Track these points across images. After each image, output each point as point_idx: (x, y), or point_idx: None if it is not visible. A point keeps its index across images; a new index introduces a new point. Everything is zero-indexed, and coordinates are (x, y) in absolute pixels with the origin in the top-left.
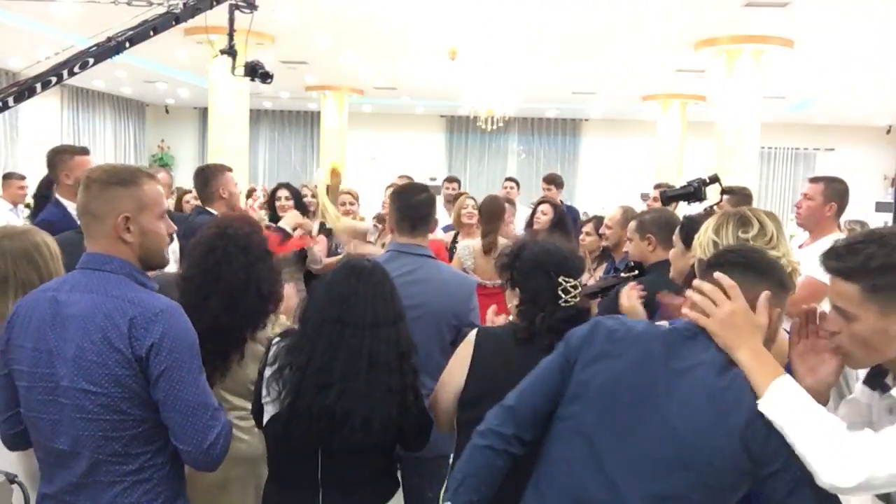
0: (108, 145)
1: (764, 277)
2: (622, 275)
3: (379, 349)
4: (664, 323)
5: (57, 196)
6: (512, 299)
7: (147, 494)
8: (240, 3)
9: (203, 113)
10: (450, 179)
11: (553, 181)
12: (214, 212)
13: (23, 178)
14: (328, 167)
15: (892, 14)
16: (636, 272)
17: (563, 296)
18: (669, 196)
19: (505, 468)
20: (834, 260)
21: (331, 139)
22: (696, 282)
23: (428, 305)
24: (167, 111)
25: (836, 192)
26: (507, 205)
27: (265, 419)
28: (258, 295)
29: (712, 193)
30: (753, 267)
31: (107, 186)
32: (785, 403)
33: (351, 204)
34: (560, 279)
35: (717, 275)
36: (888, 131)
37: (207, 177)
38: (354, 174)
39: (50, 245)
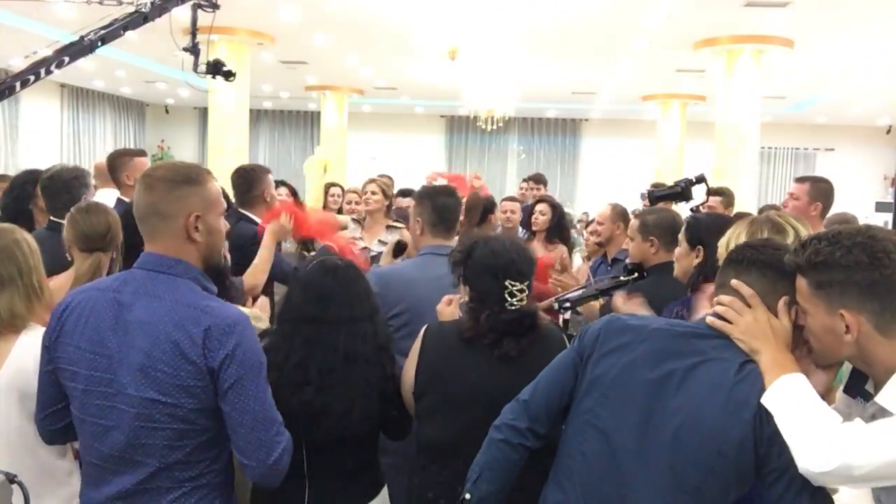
0: (108, 145)
1: (784, 275)
2: (622, 278)
3: (356, 344)
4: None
5: (120, 196)
6: (463, 296)
7: (203, 500)
8: (202, 3)
9: (203, 113)
10: (529, 179)
11: (540, 181)
12: (255, 217)
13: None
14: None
15: (892, 14)
16: (636, 275)
17: (508, 299)
18: (657, 196)
19: (521, 460)
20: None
21: (331, 139)
22: (717, 296)
23: None
24: (167, 111)
25: (821, 191)
26: (509, 203)
27: None
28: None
29: (698, 193)
30: (772, 265)
31: (175, 185)
32: (783, 395)
33: (357, 203)
34: (507, 282)
35: (735, 283)
36: (888, 131)
37: (252, 180)
38: (355, 174)
39: (28, 241)
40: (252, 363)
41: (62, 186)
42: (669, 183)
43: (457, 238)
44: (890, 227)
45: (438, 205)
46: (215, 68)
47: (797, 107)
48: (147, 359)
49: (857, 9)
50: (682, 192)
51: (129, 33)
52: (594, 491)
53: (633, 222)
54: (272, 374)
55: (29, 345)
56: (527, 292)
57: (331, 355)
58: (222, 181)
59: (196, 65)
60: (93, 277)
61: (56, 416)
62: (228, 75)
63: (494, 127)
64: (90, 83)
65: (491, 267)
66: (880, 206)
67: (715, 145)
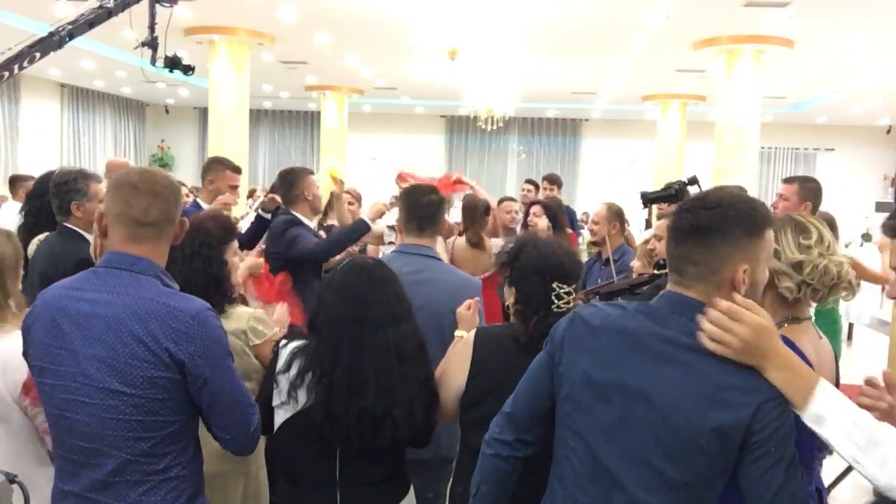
0: (108, 145)
1: (725, 236)
2: (655, 272)
3: (404, 344)
4: None
5: (198, 200)
6: (509, 296)
7: (172, 492)
8: None
9: (203, 113)
10: (547, 178)
11: (555, 181)
12: (298, 213)
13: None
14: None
15: (893, 14)
16: (666, 270)
17: (555, 301)
18: (650, 198)
19: (515, 470)
20: (893, 220)
21: (331, 139)
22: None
23: (432, 306)
24: (167, 111)
25: (810, 191)
26: (513, 203)
27: (277, 423)
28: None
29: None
30: (709, 229)
31: (178, 194)
32: (830, 407)
33: (351, 203)
34: (554, 284)
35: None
36: (888, 131)
37: (293, 180)
38: (355, 174)
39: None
40: (219, 353)
41: (54, 190)
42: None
43: (437, 238)
44: None
45: (409, 205)
46: (173, 63)
47: (797, 107)
48: (111, 352)
49: (857, 9)
50: (675, 193)
51: (128, 34)
52: (583, 493)
53: (661, 221)
54: (322, 381)
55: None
56: (573, 295)
57: (384, 357)
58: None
59: (154, 58)
60: None
61: None
62: (187, 70)
63: (494, 127)
64: (90, 83)
65: (539, 269)
66: (880, 206)
67: (715, 145)
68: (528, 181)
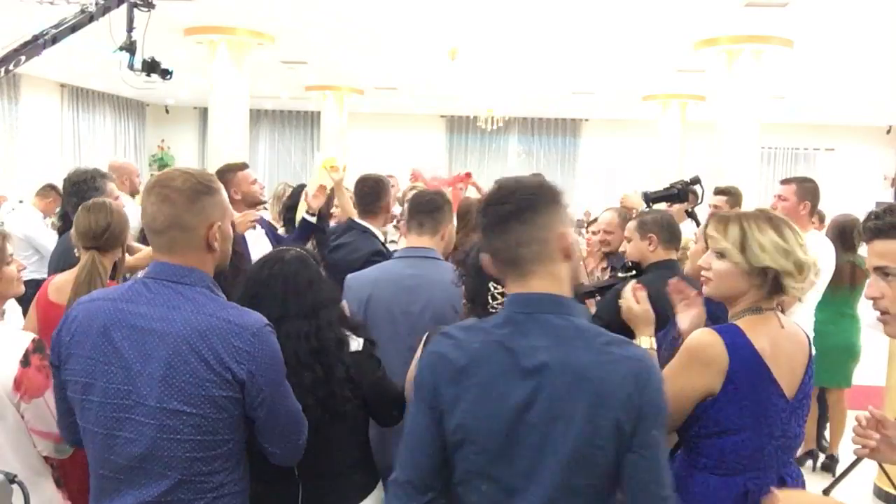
0: (108, 145)
1: (539, 208)
2: (619, 274)
3: (286, 345)
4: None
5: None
6: (464, 295)
7: None
8: (138, 3)
9: (203, 113)
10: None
11: None
12: (370, 227)
13: (59, 192)
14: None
15: (893, 14)
16: (634, 272)
17: (490, 301)
18: (653, 198)
19: None
20: (873, 220)
21: (331, 139)
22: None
23: (433, 308)
24: (167, 111)
25: (808, 191)
26: None
27: None
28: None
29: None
30: (526, 207)
31: (197, 196)
32: None
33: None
34: (490, 285)
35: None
36: (888, 131)
37: (379, 191)
38: (354, 174)
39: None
40: (277, 368)
41: (72, 189)
42: (666, 183)
43: (438, 239)
44: None
45: (410, 205)
46: (151, 66)
47: (797, 107)
48: (169, 369)
49: (857, 9)
50: (678, 193)
51: (122, 29)
52: None
53: (631, 223)
54: None
55: None
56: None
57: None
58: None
59: (132, 63)
60: (90, 276)
61: (73, 427)
62: (165, 73)
63: (494, 127)
64: (90, 83)
65: (478, 269)
66: (880, 207)
67: (715, 145)
68: None
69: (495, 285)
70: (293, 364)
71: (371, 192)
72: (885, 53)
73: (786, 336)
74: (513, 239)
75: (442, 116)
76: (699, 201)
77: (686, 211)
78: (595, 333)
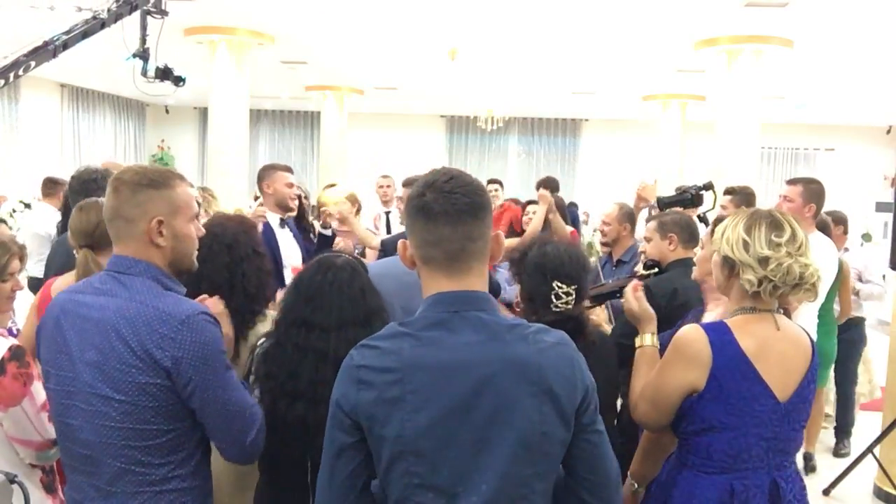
0: (108, 145)
1: (486, 210)
2: (643, 272)
3: (346, 351)
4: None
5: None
6: (519, 295)
7: None
8: (151, 10)
9: (203, 113)
10: (491, 181)
11: (549, 185)
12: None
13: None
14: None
15: (893, 14)
16: (656, 270)
17: (554, 300)
18: (666, 202)
19: None
20: None
21: (331, 139)
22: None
23: None
24: (167, 111)
25: (814, 193)
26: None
27: None
28: (244, 294)
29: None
30: (482, 205)
31: (139, 189)
32: None
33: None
34: (554, 284)
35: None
36: (888, 131)
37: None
38: (355, 174)
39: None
40: (209, 357)
41: (79, 188)
42: (666, 183)
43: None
44: (890, 227)
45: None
46: (164, 74)
47: (797, 107)
48: (101, 356)
49: (857, 9)
50: (692, 198)
51: (130, 35)
52: None
53: (651, 223)
54: (269, 383)
55: None
56: (573, 296)
57: (321, 364)
58: (224, 181)
59: (145, 70)
60: (85, 275)
61: None
62: (178, 80)
63: (494, 127)
64: (90, 83)
65: (541, 267)
66: (880, 206)
67: (715, 145)
68: (492, 181)
69: (559, 284)
70: (333, 371)
71: None
72: (885, 53)
73: (781, 337)
74: (464, 232)
75: (442, 116)
76: (712, 207)
77: (698, 216)
78: (523, 325)
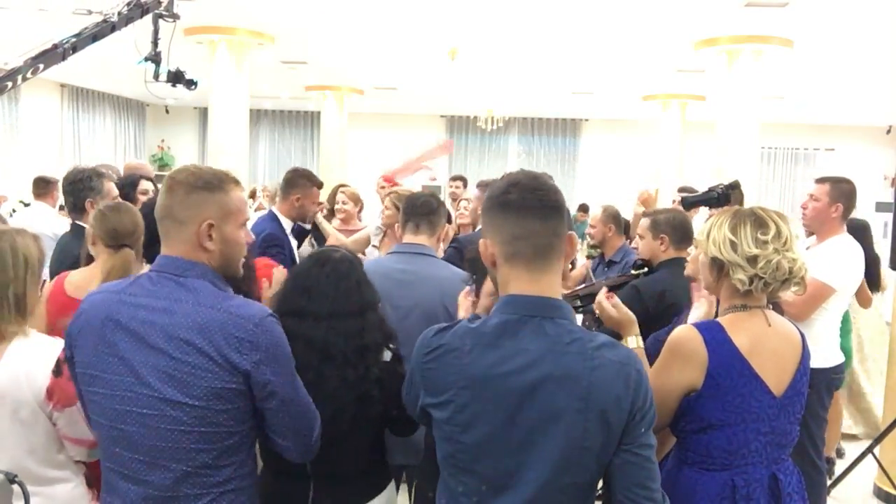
0: (108, 145)
1: (563, 210)
2: (632, 272)
3: (335, 341)
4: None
5: (274, 209)
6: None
7: None
8: (163, 13)
9: (203, 113)
10: (454, 178)
11: (460, 178)
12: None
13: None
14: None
15: (893, 14)
16: (646, 269)
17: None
18: (691, 202)
19: None
20: None
21: (331, 139)
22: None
23: (424, 306)
24: (167, 111)
25: (842, 192)
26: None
27: None
28: (233, 286)
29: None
30: (558, 206)
31: (192, 190)
32: None
33: (344, 203)
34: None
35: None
36: (888, 131)
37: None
38: (355, 174)
39: (23, 249)
40: (283, 358)
41: (69, 189)
42: (691, 185)
43: (434, 240)
44: (890, 227)
45: (405, 205)
46: (176, 77)
47: (797, 107)
48: (172, 362)
49: (857, 9)
50: (718, 197)
51: (131, 35)
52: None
53: (644, 221)
54: None
55: (19, 351)
56: None
57: (308, 352)
58: None
59: (157, 73)
60: (124, 273)
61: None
62: (190, 84)
63: (494, 127)
64: (90, 83)
65: (478, 259)
66: (880, 206)
67: (715, 145)
68: (455, 178)
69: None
70: (339, 360)
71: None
72: (885, 53)
73: (773, 333)
74: (552, 227)
75: (442, 116)
76: (741, 206)
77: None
78: (586, 339)
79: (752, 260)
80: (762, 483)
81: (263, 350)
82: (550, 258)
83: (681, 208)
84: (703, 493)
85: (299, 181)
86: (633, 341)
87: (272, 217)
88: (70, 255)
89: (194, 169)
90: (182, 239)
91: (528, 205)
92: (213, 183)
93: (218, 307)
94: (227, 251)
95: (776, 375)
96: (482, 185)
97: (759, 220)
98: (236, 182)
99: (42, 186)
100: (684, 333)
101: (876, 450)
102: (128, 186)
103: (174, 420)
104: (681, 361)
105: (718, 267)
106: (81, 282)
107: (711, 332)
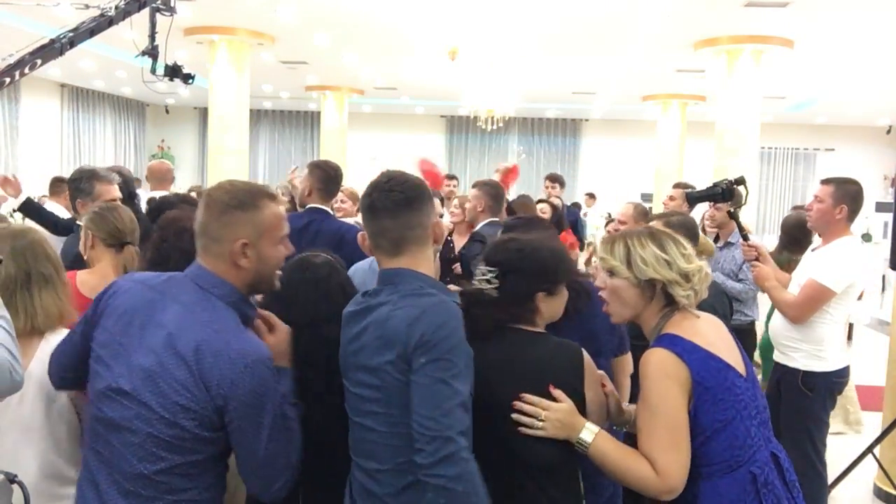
0: (108, 145)
1: (424, 202)
2: None
3: (314, 349)
4: None
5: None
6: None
7: None
8: (161, 7)
9: (203, 113)
10: (449, 177)
11: (556, 180)
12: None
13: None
14: None
15: (893, 14)
16: None
17: (477, 275)
18: (695, 197)
19: None
20: None
21: (331, 139)
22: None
23: None
24: (167, 111)
25: (847, 193)
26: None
27: None
28: None
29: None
30: (412, 198)
31: (227, 209)
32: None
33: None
34: (480, 268)
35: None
36: (888, 131)
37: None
38: (355, 174)
39: (48, 240)
40: (257, 406)
41: (71, 188)
42: (691, 183)
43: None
44: (890, 227)
45: None
46: (174, 71)
47: (797, 107)
48: (158, 366)
49: (857, 9)
50: (722, 192)
51: (129, 35)
52: None
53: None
54: None
55: (54, 345)
56: (493, 284)
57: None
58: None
59: (154, 67)
60: (125, 269)
61: (67, 379)
62: (187, 78)
63: (494, 127)
64: (90, 83)
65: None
66: (880, 206)
67: (715, 145)
68: (450, 177)
69: (489, 268)
70: (324, 368)
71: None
72: (885, 54)
73: (708, 322)
74: (402, 223)
75: (442, 116)
76: (743, 202)
77: (728, 212)
78: (419, 293)
79: (687, 276)
80: (769, 464)
81: (240, 392)
82: (408, 248)
83: (685, 208)
84: (729, 497)
85: (335, 186)
86: (587, 436)
87: (321, 212)
88: (69, 253)
89: (229, 186)
90: (218, 255)
91: (379, 206)
92: (246, 202)
93: (223, 336)
94: (262, 268)
95: (733, 358)
96: (479, 185)
97: (670, 237)
98: (271, 197)
99: (57, 186)
100: (656, 356)
101: (876, 450)
102: (71, 183)
103: (144, 419)
104: (671, 380)
105: (651, 287)
106: (96, 282)
107: (674, 343)
